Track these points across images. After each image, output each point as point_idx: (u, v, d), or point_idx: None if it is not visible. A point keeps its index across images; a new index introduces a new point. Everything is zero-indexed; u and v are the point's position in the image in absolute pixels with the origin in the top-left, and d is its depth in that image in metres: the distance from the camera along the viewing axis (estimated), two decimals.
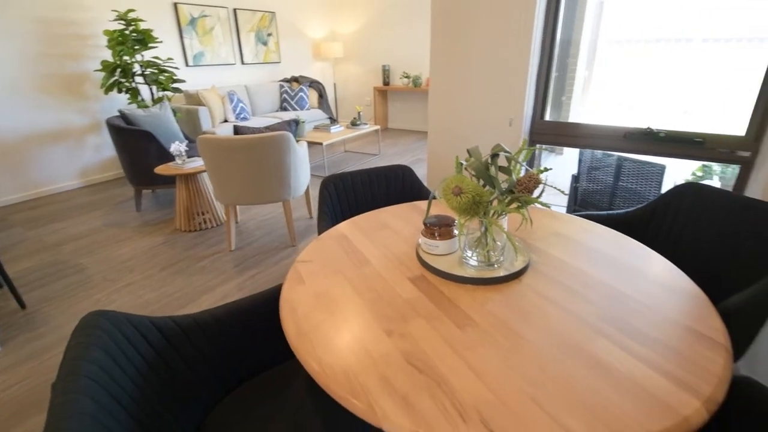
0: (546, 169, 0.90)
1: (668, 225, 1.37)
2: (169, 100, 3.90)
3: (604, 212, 1.46)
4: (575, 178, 2.57)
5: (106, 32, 3.44)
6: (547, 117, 1.84)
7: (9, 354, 1.75)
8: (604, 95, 2.30)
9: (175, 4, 4.40)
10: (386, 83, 6.43)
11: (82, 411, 0.52)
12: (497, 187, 0.89)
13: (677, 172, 1.99)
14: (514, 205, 0.91)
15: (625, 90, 2.19)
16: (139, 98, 3.70)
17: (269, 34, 5.68)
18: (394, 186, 1.61)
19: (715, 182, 2.35)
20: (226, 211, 2.60)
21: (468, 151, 0.95)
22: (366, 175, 1.58)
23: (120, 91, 3.63)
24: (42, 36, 3.51)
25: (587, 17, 2.15)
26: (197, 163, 2.88)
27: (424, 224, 1.03)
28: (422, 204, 1.39)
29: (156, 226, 3.04)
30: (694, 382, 0.63)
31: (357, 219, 1.27)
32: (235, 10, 5.10)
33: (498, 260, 0.97)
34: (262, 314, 0.97)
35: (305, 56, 6.42)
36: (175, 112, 3.76)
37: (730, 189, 1.47)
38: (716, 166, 2.30)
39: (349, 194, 1.54)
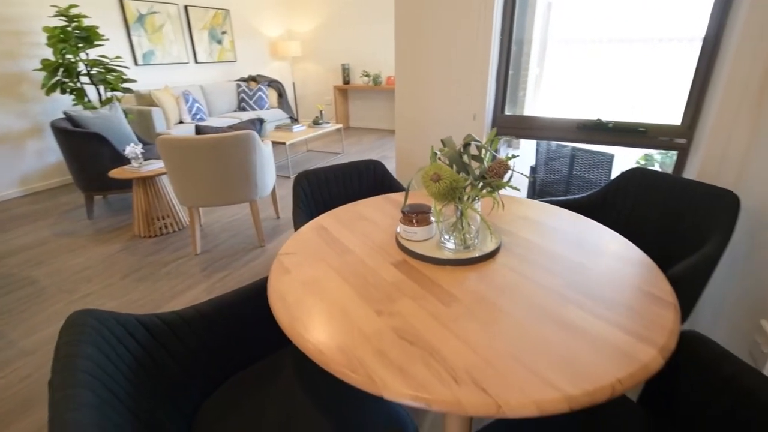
0: (514, 156, 0.98)
1: (619, 206, 1.51)
2: (119, 100, 3.69)
3: (563, 198, 1.58)
4: (533, 170, 2.74)
5: (46, 29, 3.20)
6: (507, 111, 1.95)
7: None
8: (555, 92, 2.46)
9: (121, 0, 4.17)
10: (346, 82, 6.44)
11: (84, 403, 0.52)
12: (471, 173, 0.96)
13: (624, 160, 2.17)
14: (486, 190, 0.98)
15: (574, 86, 2.36)
16: (86, 99, 3.47)
17: (224, 32, 5.51)
18: (367, 180, 1.65)
19: (656, 169, 2.60)
20: (190, 213, 2.52)
21: (442, 141, 1.00)
22: (339, 170, 1.60)
23: (64, 92, 3.38)
24: None
25: (537, 18, 2.26)
26: (155, 166, 2.76)
27: (403, 212, 1.07)
28: (396, 196, 1.44)
29: (112, 234, 2.88)
30: (650, 335, 0.72)
31: (334, 212, 1.30)
32: (186, 6, 4.90)
33: (473, 243, 1.04)
34: (247, 308, 0.97)
35: (262, 55, 6.29)
36: (126, 113, 3.56)
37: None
38: (657, 155, 2.54)
39: (323, 189, 1.56)
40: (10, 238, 2.82)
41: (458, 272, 0.94)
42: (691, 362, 0.81)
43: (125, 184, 3.05)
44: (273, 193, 3.02)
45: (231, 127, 2.71)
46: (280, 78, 6.69)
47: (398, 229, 1.11)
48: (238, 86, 5.39)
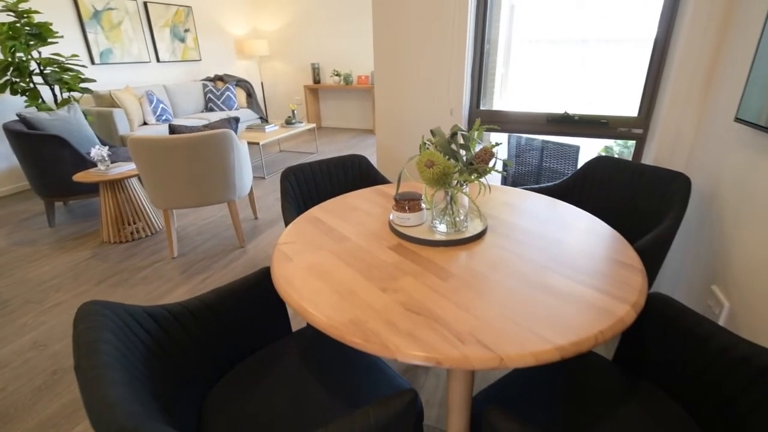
0: (497, 144, 1.06)
1: (587, 191, 1.64)
2: (77, 101, 3.51)
3: (536, 186, 1.69)
4: (505, 165, 2.88)
5: None
6: (482, 106, 2.05)
7: None
8: (521, 89, 2.59)
9: None
10: (317, 81, 6.41)
11: (117, 381, 0.53)
12: (460, 159, 1.03)
13: (588, 151, 2.33)
14: (474, 176, 1.05)
15: (539, 83, 2.50)
16: (40, 100, 3.28)
17: (186, 30, 5.34)
18: (352, 174, 1.69)
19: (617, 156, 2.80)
20: (165, 216, 2.45)
21: (431, 131, 1.07)
22: (324, 164, 1.63)
23: (15, 93, 3.18)
24: None
25: (502, 20, 2.34)
26: (124, 168, 2.66)
27: (395, 200, 1.13)
28: (384, 188, 1.49)
29: (77, 241, 2.75)
30: (623, 295, 0.81)
31: (325, 204, 1.33)
32: (145, 2, 4.72)
33: (462, 226, 1.11)
34: (251, 295, 0.99)
35: (228, 54, 6.15)
36: (85, 114, 3.39)
37: None
38: (615, 147, 2.74)
39: (310, 184, 1.59)
40: None
41: (451, 252, 1.00)
42: (657, 319, 0.92)
43: (90, 189, 2.92)
44: (250, 193, 2.99)
45: (206, 126, 2.66)
46: (247, 77, 6.56)
47: (391, 216, 1.16)
48: (205, 86, 5.25)
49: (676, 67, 1.55)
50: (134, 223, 2.76)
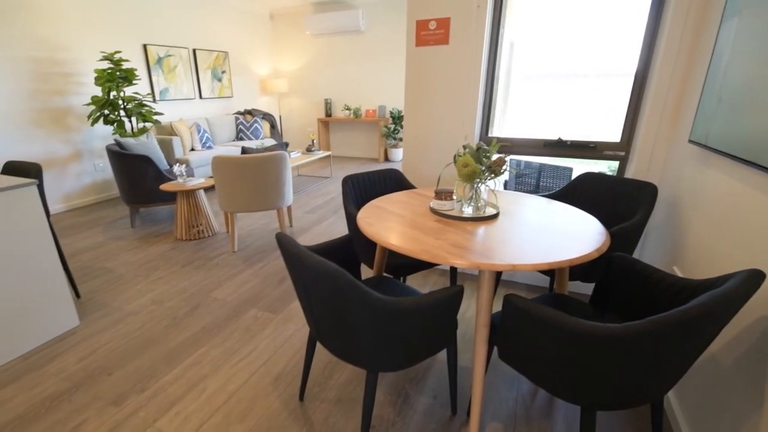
0: (506, 155, 1.87)
1: (576, 198, 2.10)
2: (149, 130, 4.36)
3: (534, 195, 2.26)
4: (505, 183, 3.65)
5: (97, 71, 3.88)
6: (490, 133, 2.82)
7: (87, 327, 2.23)
8: (518, 119, 2.82)
9: (145, 45, 4.90)
10: (328, 114, 7.36)
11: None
12: (484, 164, 1.82)
13: (579, 172, 2.56)
14: (491, 176, 1.84)
15: (535, 113, 2.73)
16: (125, 129, 4.13)
17: (223, 72, 6.32)
18: (391, 183, 2.45)
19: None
20: (230, 219, 3.24)
21: (464, 146, 1.84)
22: (370, 175, 2.40)
23: (107, 123, 4.03)
24: (33, 74, 3.82)
25: (503, 57, 2.57)
26: (197, 181, 3.47)
27: (435, 192, 1.88)
28: (418, 191, 2.12)
29: (156, 238, 3.51)
30: (594, 245, 1.60)
31: (379, 199, 1.98)
32: (194, 50, 5.69)
33: (482, 210, 1.87)
34: (335, 252, 1.77)
35: (253, 91, 7.12)
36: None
37: None
38: (608, 171, 3.48)
39: (361, 188, 2.35)
40: (72, 242, 3.37)
41: (475, 224, 1.63)
42: (620, 272, 1.46)
43: (165, 198, 3.71)
44: (288, 206, 3.80)
45: (266, 149, 3.49)
46: (269, 111, 7.51)
47: (431, 204, 1.88)
48: (236, 119, 6.16)
49: (651, 98, 1.88)
50: (198, 225, 3.54)
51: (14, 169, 2.26)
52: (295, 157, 5.11)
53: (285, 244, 1.33)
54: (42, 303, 2.05)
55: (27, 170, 2.22)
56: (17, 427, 1.58)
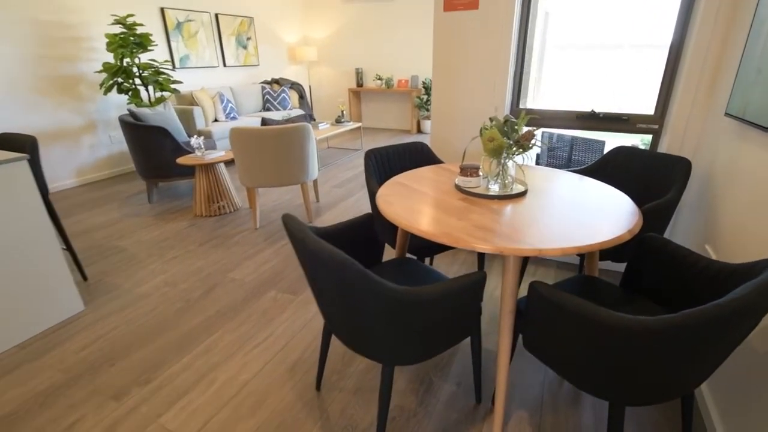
0: (536, 129, 1.43)
1: (608, 174, 1.98)
2: (167, 99, 4.12)
3: (565, 170, 2.04)
4: (538, 156, 3.21)
5: (108, 35, 3.63)
6: (521, 105, 2.42)
7: (93, 312, 2.03)
8: (552, 90, 2.88)
9: (162, 9, 4.60)
10: (360, 85, 6.90)
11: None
12: (511, 137, 1.41)
13: (612, 146, 2.64)
14: (519, 151, 1.43)
15: (569, 84, 2.81)
16: (140, 99, 3.90)
17: (248, 38, 5.96)
18: (417, 156, 2.09)
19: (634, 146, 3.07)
20: (251, 194, 2.95)
21: (490, 118, 1.46)
22: (395, 148, 2.05)
23: (120, 92, 3.81)
24: (38, 38, 3.61)
25: (537, 26, 2.49)
26: (216, 154, 3.19)
27: (461, 168, 1.52)
28: (445, 165, 1.89)
29: (174, 214, 3.30)
30: (626, 226, 1.17)
31: (402, 175, 1.73)
32: (216, 15, 5.35)
33: (510, 187, 1.49)
34: (355, 233, 1.43)
35: (282, 59, 6.75)
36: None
37: None
38: (641, 146, 3.02)
39: (385, 163, 2.01)
40: (84, 219, 3.23)
41: (502, 203, 1.38)
42: (653, 253, 1.27)
43: (184, 172, 3.48)
44: (314, 180, 3.46)
45: (288, 120, 3.15)
46: (297, 80, 7.14)
47: (457, 181, 1.55)
48: (263, 88, 5.83)
49: (686, 69, 1.85)
50: (220, 201, 3.29)
51: (7, 141, 2.03)
52: (323, 129, 4.74)
53: (291, 227, 1.04)
54: (39, 288, 1.84)
55: (21, 144, 1.98)
56: (6, 426, 1.41)
